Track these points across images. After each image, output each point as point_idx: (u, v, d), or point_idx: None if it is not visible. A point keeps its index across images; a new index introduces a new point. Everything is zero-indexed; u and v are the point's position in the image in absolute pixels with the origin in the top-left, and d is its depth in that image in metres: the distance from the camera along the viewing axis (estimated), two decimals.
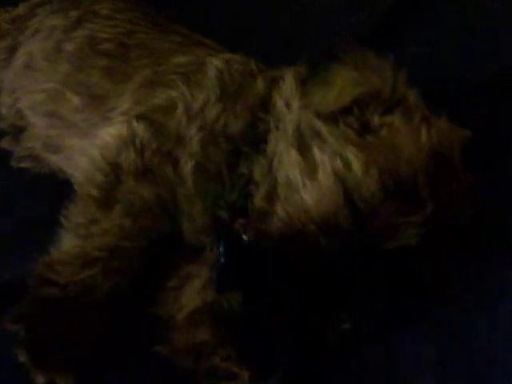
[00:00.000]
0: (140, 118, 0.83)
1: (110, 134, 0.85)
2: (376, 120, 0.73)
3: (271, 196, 0.75)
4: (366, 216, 0.70)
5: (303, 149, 0.74)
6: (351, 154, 0.71)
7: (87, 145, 0.89)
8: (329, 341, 0.72)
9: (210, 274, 0.78)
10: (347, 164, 0.71)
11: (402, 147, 0.71)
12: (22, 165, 1.02)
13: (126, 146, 0.81)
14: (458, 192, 0.75)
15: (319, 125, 0.74)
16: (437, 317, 0.79)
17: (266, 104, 0.81)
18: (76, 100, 0.93)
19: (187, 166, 0.79)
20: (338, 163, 0.71)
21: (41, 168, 1.01)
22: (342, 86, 0.74)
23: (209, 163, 0.80)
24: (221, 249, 0.77)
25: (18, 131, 1.02)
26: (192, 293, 0.78)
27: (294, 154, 0.74)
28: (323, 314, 0.71)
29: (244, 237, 0.77)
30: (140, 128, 0.82)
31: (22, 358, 0.72)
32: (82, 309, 0.75)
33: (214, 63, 0.87)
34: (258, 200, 0.76)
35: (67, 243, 0.79)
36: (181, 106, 0.82)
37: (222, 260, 0.77)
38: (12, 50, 1.05)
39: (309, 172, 0.73)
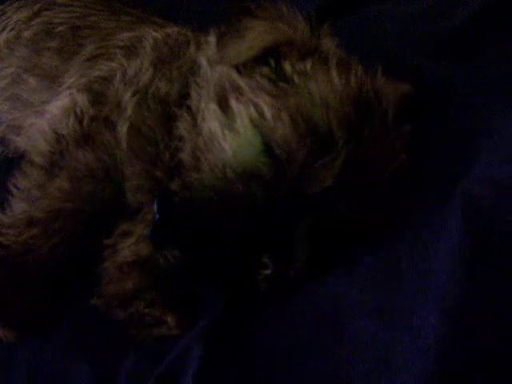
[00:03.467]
0: (81, 89, 0.88)
1: (56, 106, 0.90)
2: (289, 68, 0.75)
3: (195, 150, 0.78)
4: (284, 161, 0.72)
5: (222, 102, 0.77)
6: (263, 102, 0.73)
7: (40, 121, 0.94)
8: (253, 286, 0.73)
9: (145, 231, 0.81)
10: (261, 112, 0.73)
11: (314, 92, 0.73)
12: None
13: (67, 115, 0.86)
14: (385, 140, 0.76)
15: (236, 77, 0.77)
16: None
17: (196, 67, 0.85)
18: (33, 81, 0.98)
19: (122, 129, 0.83)
20: (253, 112, 0.74)
21: (8, 152, 1.07)
22: (253, 36, 0.77)
23: (143, 126, 0.84)
24: (155, 206, 0.80)
25: None
26: (126, 248, 0.82)
27: (213, 108, 0.77)
28: (247, 261, 0.74)
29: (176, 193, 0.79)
30: (80, 97, 0.87)
31: None
32: (24, 267, 0.79)
33: (152, 35, 0.92)
34: (185, 155, 0.79)
35: (13, 207, 0.83)
36: (118, 75, 0.87)
37: (157, 217, 0.80)
38: None
39: (227, 123, 0.76)
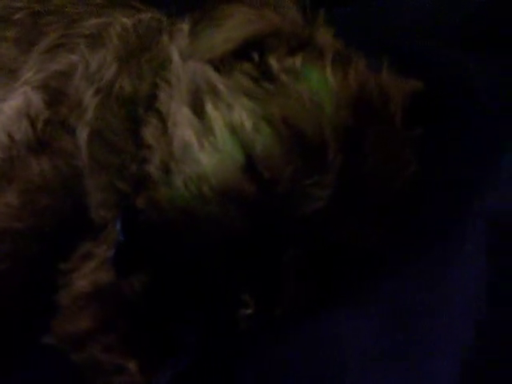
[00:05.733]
0: (36, 86, 0.76)
1: (10, 106, 0.78)
2: (275, 64, 0.63)
3: (165, 161, 0.66)
4: (268, 179, 0.60)
5: (197, 105, 0.65)
6: (243, 107, 0.61)
7: None
8: (232, 325, 0.62)
9: (108, 253, 0.69)
10: (238, 119, 0.61)
11: (304, 93, 0.61)
12: None
13: (20, 117, 0.74)
14: (391, 148, 0.64)
15: (213, 75, 0.64)
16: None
17: (167, 61, 0.72)
18: None
19: (82, 135, 0.71)
20: (231, 119, 0.62)
21: None
22: (232, 26, 0.64)
23: (106, 131, 0.72)
24: (118, 225, 0.68)
25: None
26: (83, 276, 0.70)
27: (186, 112, 0.65)
28: (224, 297, 0.62)
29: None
30: (34, 97, 0.75)
31: None
32: None
33: (121, 21, 0.79)
34: (153, 167, 0.67)
35: None
36: (79, 69, 0.75)
37: (121, 238, 0.68)
38: None
39: (203, 131, 0.63)
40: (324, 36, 0.67)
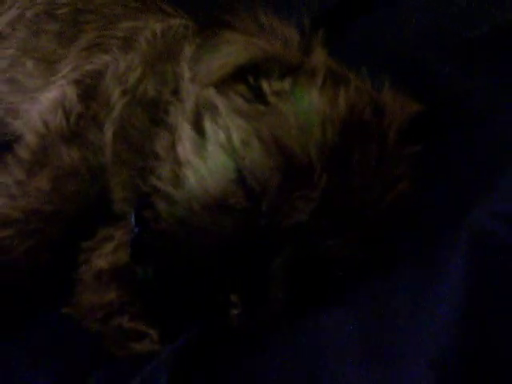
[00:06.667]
0: (72, 81, 0.83)
1: (47, 98, 0.86)
2: (266, 87, 0.69)
3: (171, 175, 0.71)
4: (257, 192, 0.66)
5: (197, 123, 0.71)
6: (236, 125, 0.67)
7: (32, 110, 0.90)
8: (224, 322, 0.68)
9: (126, 237, 0.76)
10: (231, 136, 0.67)
11: (290, 115, 0.66)
12: None
13: (56, 108, 0.82)
14: (382, 166, 0.68)
15: (213, 95, 0.70)
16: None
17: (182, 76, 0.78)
18: (29, 64, 0.94)
19: (109, 132, 0.78)
20: (224, 136, 0.67)
21: (5, 135, 1.03)
22: (227, 53, 0.69)
23: (130, 131, 0.78)
24: (132, 220, 0.75)
25: None
26: (103, 255, 0.77)
27: (187, 129, 0.71)
28: (216, 298, 0.67)
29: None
30: (69, 91, 0.82)
31: None
32: None
33: (152, 27, 0.86)
34: (159, 181, 0.72)
35: None
36: (110, 70, 0.82)
37: (136, 231, 0.75)
38: None
39: (199, 148, 0.69)
40: (318, 57, 0.71)
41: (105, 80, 0.81)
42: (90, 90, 0.82)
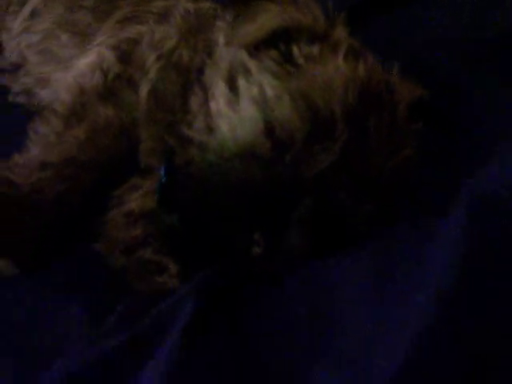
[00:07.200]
0: (110, 46, 0.91)
1: (84, 62, 0.93)
2: (296, 51, 0.77)
3: (204, 126, 0.79)
4: (284, 142, 0.73)
5: (231, 81, 0.79)
6: (267, 82, 0.75)
7: (67, 75, 0.97)
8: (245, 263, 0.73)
9: (153, 186, 0.83)
10: (263, 92, 0.75)
11: (318, 75, 0.74)
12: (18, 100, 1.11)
13: (93, 70, 0.89)
14: (392, 134, 0.76)
15: (246, 58, 0.78)
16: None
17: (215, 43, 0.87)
18: (64, 37, 1.02)
19: (143, 91, 0.86)
20: (257, 92, 0.75)
21: (32, 105, 1.10)
22: (264, 19, 0.78)
23: (163, 91, 0.86)
24: (162, 172, 0.82)
25: (16, 68, 1.11)
26: (133, 200, 0.83)
27: (221, 85, 0.79)
28: (240, 237, 0.73)
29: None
30: (107, 54, 0.89)
31: None
32: (30, 207, 0.81)
33: (184, 5, 0.94)
34: (193, 132, 0.80)
35: (29, 150, 0.86)
36: (146, 38, 0.90)
37: (163, 181, 0.82)
38: (22, 3, 1.15)
39: (233, 102, 0.77)
40: (341, 33, 0.80)
41: (140, 46, 0.89)
42: (125, 55, 0.89)
